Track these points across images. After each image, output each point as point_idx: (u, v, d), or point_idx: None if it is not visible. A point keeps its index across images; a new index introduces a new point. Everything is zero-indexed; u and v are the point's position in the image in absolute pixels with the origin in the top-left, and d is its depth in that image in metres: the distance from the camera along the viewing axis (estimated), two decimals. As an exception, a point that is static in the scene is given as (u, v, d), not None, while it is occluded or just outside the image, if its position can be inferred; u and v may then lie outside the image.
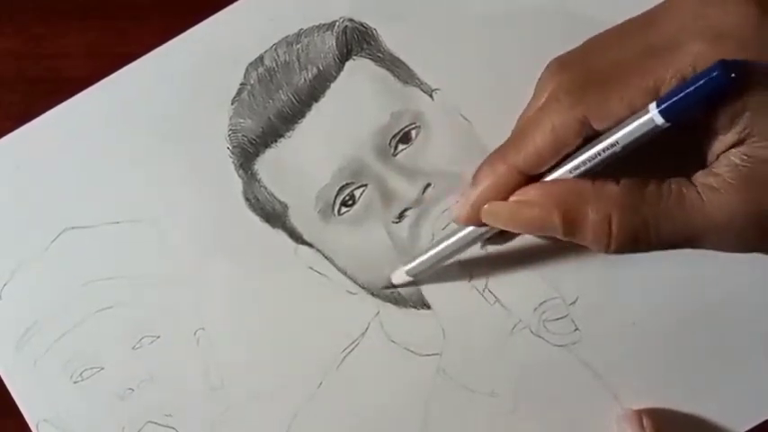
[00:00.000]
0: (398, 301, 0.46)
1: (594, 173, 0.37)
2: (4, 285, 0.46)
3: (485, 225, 0.40)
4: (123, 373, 0.45)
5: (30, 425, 0.45)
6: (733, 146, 0.34)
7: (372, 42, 0.48)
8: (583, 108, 0.35)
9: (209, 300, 0.46)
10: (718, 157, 0.35)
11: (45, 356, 0.45)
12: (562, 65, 0.38)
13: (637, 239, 0.36)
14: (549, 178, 0.38)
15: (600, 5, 0.48)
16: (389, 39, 0.48)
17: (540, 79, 0.39)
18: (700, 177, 0.35)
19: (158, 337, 0.46)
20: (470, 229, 0.41)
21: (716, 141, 0.35)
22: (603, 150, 0.36)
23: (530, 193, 0.38)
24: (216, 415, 0.45)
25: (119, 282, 0.46)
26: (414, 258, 0.44)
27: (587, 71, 0.36)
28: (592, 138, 0.36)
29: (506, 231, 0.40)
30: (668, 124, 0.33)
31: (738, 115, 0.33)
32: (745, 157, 0.34)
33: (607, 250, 0.37)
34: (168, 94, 0.48)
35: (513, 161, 0.38)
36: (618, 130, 0.35)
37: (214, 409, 0.45)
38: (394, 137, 0.47)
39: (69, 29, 0.50)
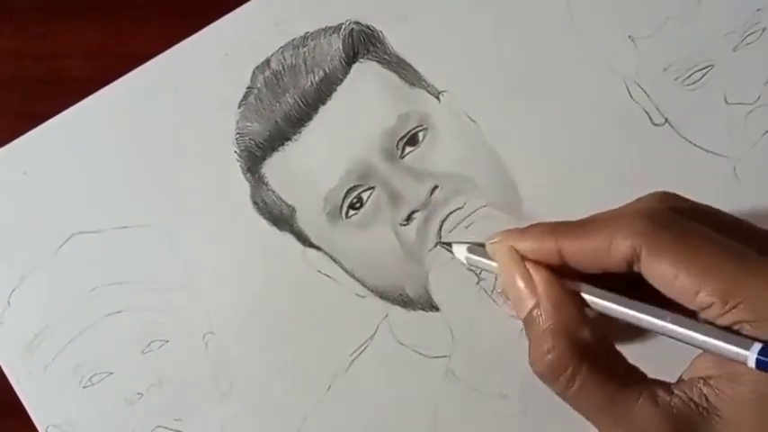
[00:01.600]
0: (407, 304, 0.46)
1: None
2: (13, 291, 0.46)
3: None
4: (132, 377, 0.45)
5: (39, 430, 0.45)
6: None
7: (379, 45, 0.48)
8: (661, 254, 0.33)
9: (218, 304, 0.46)
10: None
11: (54, 362, 0.45)
12: (673, 206, 0.36)
13: (557, 380, 0.35)
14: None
15: (604, 5, 0.48)
16: (396, 41, 0.48)
17: (647, 197, 0.37)
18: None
19: (167, 341, 0.46)
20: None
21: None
22: (649, 320, 0.34)
23: (540, 273, 0.36)
24: (225, 419, 0.45)
25: (127, 286, 0.46)
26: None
27: (685, 230, 0.34)
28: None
29: None
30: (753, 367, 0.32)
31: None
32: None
33: (532, 365, 0.36)
34: (175, 98, 0.48)
35: (563, 246, 0.36)
36: (694, 331, 0.33)
37: (223, 413, 0.45)
38: (401, 139, 0.47)
39: (69, 29, 0.49)
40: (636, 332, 0.41)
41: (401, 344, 0.46)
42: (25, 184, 0.47)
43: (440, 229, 0.46)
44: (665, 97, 0.47)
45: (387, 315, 0.46)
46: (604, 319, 0.36)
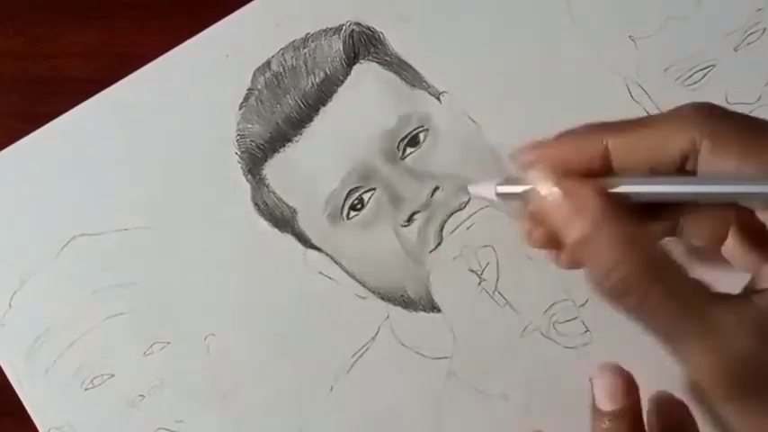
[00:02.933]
0: (408, 305, 0.46)
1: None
2: (14, 293, 0.46)
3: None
4: (134, 379, 0.45)
5: (40, 432, 0.45)
6: None
7: (379, 46, 0.48)
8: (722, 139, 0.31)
9: (219, 305, 0.46)
10: None
11: (56, 364, 0.45)
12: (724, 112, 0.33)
13: (628, 294, 0.32)
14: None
15: (604, 6, 0.48)
16: (396, 42, 0.48)
17: (690, 104, 0.34)
18: None
19: (169, 343, 0.46)
20: None
21: None
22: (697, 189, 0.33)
23: (589, 184, 0.32)
24: (227, 421, 0.45)
25: (128, 288, 0.46)
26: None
27: (748, 122, 0.33)
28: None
29: None
30: None
31: None
32: None
33: (598, 285, 0.33)
34: (175, 100, 0.48)
35: (612, 142, 0.33)
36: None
37: (225, 415, 0.45)
38: (402, 140, 0.47)
39: (69, 29, 0.50)
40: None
41: (403, 345, 0.46)
42: (27, 187, 0.47)
43: (441, 229, 0.46)
44: (667, 97, 0.47)
45: (388, 316, 0.46)
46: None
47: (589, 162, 0.33)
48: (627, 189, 0.33)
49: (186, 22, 0.48)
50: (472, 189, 0.38)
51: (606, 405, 0.37)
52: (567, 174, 0.33)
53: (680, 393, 0.43)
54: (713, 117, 0.32)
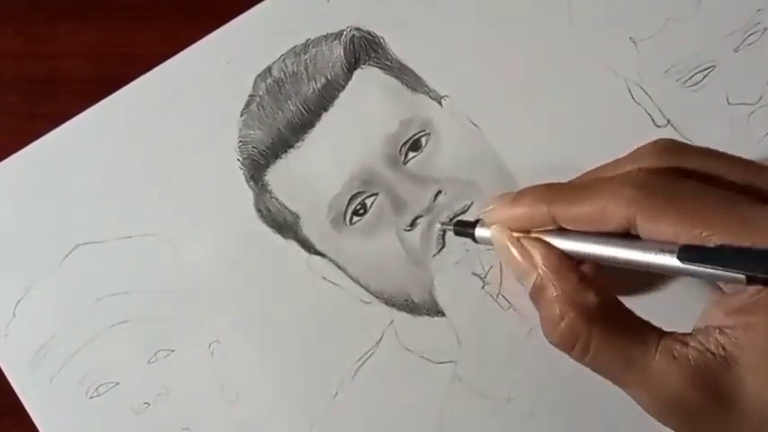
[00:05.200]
0: (412, 309, 0.46)
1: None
2: (18, 302, 0.46)
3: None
4: (139, 387, 0.45)
5: (45, 441, 0.45)
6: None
7: (380, 51, 0.48)
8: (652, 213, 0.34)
9: (223, 312, 0.46)
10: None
11: (60, 373, 0.45)
12: (670, 157, 0.37)
13: (573, 348, 0.36)
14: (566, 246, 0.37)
15: (604, 8, 0.48)
16: (397, 47, 0.48)
17: (646, 149, 0.38)
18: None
19: (173, 350, 0.46)
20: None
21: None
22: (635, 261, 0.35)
23: (536, 246, 0.38)
24: (232, 427, 0.45)
25: (132, 296, 0.46)
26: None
27: (677, 191, 0.35)
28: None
29: None
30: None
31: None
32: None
33: (546, 336, 0.37)
34: (177, 107, 0.48)
35: (556, 212, 0.37)
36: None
37: (230, 422, 0.45)
38: (404, 144, 0.47)
39: (69, 29, 0.49)
40: (639, 282, 0.42)
41: (407, 349, 0.46)
42: (29, 196, 0.47)
43: (444, 234, 0.46)
44: (668, 99, 0.47)
45: (392, 321, 0.46)
46: (608, 277, 0.38)
47: (542, 224, 0.38)
48: (567, 247, 0.37)
49: (186, 21, 0.48)
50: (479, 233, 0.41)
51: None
52: (522, 230, 0.38)
53: None
54: (645, 191, 0.34)
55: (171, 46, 0.48)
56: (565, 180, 0.46)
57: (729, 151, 0.46)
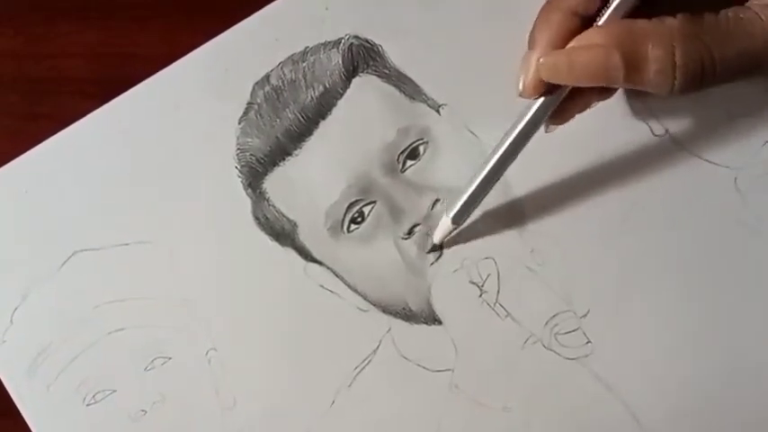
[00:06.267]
0: (409, 317, 0.46)
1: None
2: (16, 309, 0.46)
3: (548, 95, 0.40)
4: (136, 394, 0.45)
5: (43, 448, 0.45)
6: None
7: (378, 59, 0.48)
8: None
9: (221, 320, 0.46)
10: None
11: (57, 380, 0.45)
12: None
13: (702, 70, 0.36)
14: (601, 21, 0.38)
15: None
16: (395, 55, 0.48)
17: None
18: (755, 1, 0.35)
19: (170, 358, 0.46)
20: (525, 119, 0.41)
21: None
22: None
23: (587, 37, 0.37)
24: (229, 435, 0.45)
25: (130, 303, 0.46)
26: (458, 195, 0.44)
27: None
28: None
29: (564, 106, 0.41)
30: None
31: None
32: None
33: (672, 89, 0.37)
34: (175, 114, 0.48)
35: (566, 4, 0.37)
36: None
37: (227, 430, 0.45)
38: (402, 153, 0.47)
39: (69, 29, 0.49)
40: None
41: (404, 358, 0.45)
42: (27, 203, 0.47)
43: (441, 242, 0.46)
44: (665, 107, 0.47)
45: (389, 329, 0.46)
46: None
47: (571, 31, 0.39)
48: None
49: (186, 22, 0.49)
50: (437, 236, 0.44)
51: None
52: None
53: (685, 404, 0.44)
54: None
55: (171, 46, 0.48)
56: (562, 189, 0.47)
57: (729, 160, 0.47)
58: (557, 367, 0.45)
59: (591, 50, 0.37)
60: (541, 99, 0.41)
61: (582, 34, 0.38)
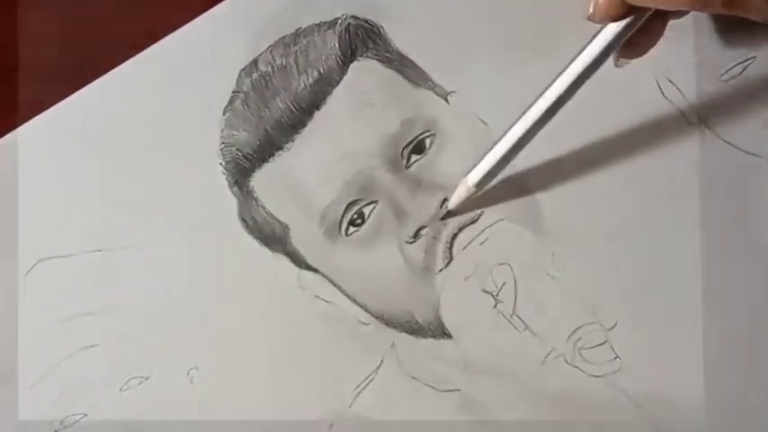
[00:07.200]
0: (415, 331, 0.45)
1: None
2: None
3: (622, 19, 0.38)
4: (110, 418, 0.44)
5: (10, 478, 0.44)
6: None
7: (379, 41, 0.47)
8: None
9: (204, 336, 0.45)
10: None
11: (23, 404, 0.44)
12: None
13: None
14: None
15: None
16: (398, 37, 0.47)
17: None
18: None
19: (147, 377, 0.45)
20: (593, 48, 0.39)
21: None
22: None
23: None
24: (213, 463, 0.44)
25: (102, 317, 0.45)
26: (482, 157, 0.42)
27: None
28: None
29: (638, 36, 0.39)
30: None
31: None
32: None
33: None
34: (153, 104, 0.47)
35: None
36: None
37: (210, 457, 0.44)
38: (406, 147, 0.45)
39: (37, 11, 0.49)
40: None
41: (410, 376, 0.44)
42: (-14, 205, 0.45)
43: (451, 246, 0.45)
44: (701, 95, 0.46)
45: (393, 344, 0.45)
46: None
47: None
48: None
49: (177, 14, 0.47)
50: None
51: None
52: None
53: (720, 421, 0.43)
54: None
55: (149, 24, 0.47)
56: (585, 183, 0.46)
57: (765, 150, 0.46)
58: (581, 385, 0.44)
59: None
60: (613, 25, 0.38)
61: None
